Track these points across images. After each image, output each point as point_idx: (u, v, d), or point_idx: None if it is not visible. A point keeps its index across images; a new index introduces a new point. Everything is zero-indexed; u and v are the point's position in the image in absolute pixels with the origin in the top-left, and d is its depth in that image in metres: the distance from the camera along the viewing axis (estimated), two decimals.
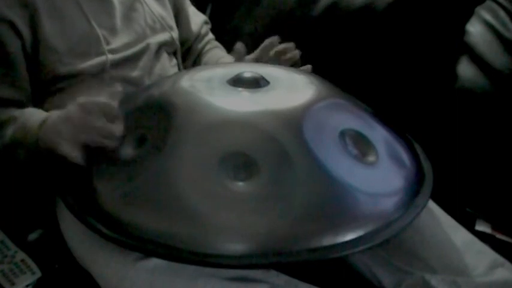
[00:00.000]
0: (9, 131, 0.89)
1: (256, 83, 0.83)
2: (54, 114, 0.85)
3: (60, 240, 0.92)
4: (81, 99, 0.80)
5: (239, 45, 1.03)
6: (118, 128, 0.79)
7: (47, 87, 0.95)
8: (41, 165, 0.88)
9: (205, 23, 1.25)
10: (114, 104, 0.80)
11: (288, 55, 1.01)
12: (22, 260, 0.92)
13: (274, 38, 1.02)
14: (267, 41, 1.02)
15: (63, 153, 0.79)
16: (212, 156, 0.72)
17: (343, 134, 0.77)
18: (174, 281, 0.76)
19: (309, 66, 1.00)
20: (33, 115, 0.89)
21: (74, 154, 0.78)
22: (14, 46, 0.92)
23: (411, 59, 1.21)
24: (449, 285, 0.81)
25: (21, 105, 0.93)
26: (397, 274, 0.85)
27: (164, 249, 0.69)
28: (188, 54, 1.21)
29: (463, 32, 1.22)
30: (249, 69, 0.86)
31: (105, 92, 0.85)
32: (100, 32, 0.97)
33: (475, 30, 1.22)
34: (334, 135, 0.76)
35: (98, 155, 0.79)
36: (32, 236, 0.98)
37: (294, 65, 1.02)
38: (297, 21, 1.30)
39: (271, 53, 1.01)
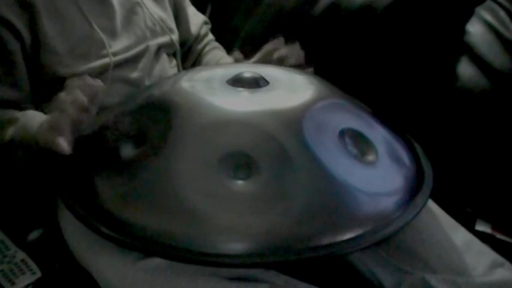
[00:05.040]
0: (10, 132, 0.89)
1: (256, 83, 0.83)
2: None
3: (60, 240, 0.92)
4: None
5: (236, 54, 1.01)
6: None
7: (47, 88, 0.95)
8: (41, 166, 0.87)
9: (205, 23, 1.25)
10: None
11: (293, 60, 0.97)
12: (22, 260, 0.92)
13: (277, 41, 0.98)
14: (269, 45, 0.99)
15: (51, 147, 0.78)
16: (212, 156, 0.72)
17: (342, 133, 0.77)
18: (174, 280, 0.76)
19: (311, 69, 0.97)
20: (34, 117, 0.89)
21: (58, 144, 0.77)
22: (13, 47, 0.92)
23: (411, 59, 1.21)
24: (449, 285, 0.81)
25: (21, 106, 0.93)
26: (397, 274, 0.85)
27: (164, 248, 0.69)
28: (188, 55, 1.21)
29: (463, 32, 1.22)
30: (248, 70, 0.86)
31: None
32: (103, 35, 0.97)
33: (475, 30, 1.22)
34: (334, 135, 0.76)
35: (98, 155, 0.79)
36: (32, 236, 0.98)
37: (299, 66, 0.97)
38: (297, 21, 1.30)
39: (274, 57, 0.98)
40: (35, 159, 0.86)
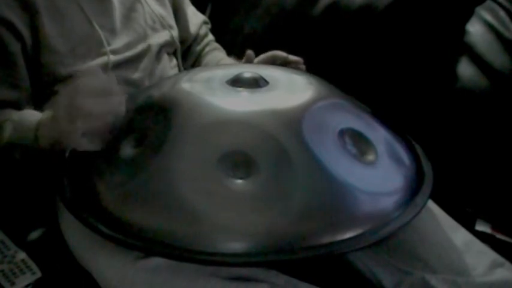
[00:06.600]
0: (6, 133, 0.89)
1: (256, 83, 0.83)
2: (48, 112, 0.85)
3: (60, 240, 0.92)
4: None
5: (250, 52, 1.02)
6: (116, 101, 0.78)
7: (48, 88, 0.95)
8: (40, 165, 0.88)
9: (205, 23, 1.25)
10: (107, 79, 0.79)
11: (293, 66, 1.01)
12: (22, 260, 0.92)
13: (285, 54, 1.01)
14: (278, 52, 1.01)
15: (71, 145, 0.78)
16: (211, 155, 0.72)
17: (342, 133, 0.77)
18: (174, 280, 0.76)
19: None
20: (31, 116, 0.89)
21: (83, 143, 0.77)
22: (14, 47, 0.92)
23: (411, 59, 1.21)
24: (449, 285, 0.81)
25: (21, 106, 0.93)
26: (397, 274, 0.85)
27: (164, 247, 0.69)
28: (187, 56, 1.21)
29: (463, 32, 1.22)
30: (248, 70, 0.86)
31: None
32: (102, 33, 0.97)
33: (475, 30, 1.23)
34: (333, 135, 0.76)
35: (98, 155, 0.79)
36: (32, 236, 0.98)
37: None
38: (297, 21, 1.30)
39: (278, 62, 1.00)
40: (32, 159, 0.86)
